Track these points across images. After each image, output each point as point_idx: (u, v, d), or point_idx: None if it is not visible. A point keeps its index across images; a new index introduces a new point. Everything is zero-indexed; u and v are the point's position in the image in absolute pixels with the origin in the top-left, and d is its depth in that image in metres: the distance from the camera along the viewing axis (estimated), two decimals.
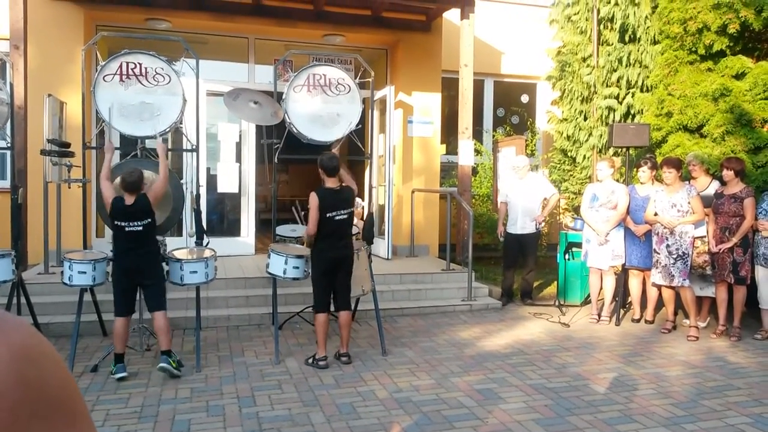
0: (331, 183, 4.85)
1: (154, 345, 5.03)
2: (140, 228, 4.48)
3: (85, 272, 4.60)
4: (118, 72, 5.12)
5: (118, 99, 5.11)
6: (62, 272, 4.66)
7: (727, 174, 5.77)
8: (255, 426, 3.70)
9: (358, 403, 4.07)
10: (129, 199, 4.46)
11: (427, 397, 4.19)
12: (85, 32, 7.73)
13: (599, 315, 6.45)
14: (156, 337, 4.74)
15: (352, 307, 6.13)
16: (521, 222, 7.03)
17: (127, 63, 5.16)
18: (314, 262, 4.90)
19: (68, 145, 6.27)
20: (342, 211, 4.81)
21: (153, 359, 4.84)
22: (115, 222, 4.46)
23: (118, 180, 4.77)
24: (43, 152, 6.07)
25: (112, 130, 5.41)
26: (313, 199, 4.76)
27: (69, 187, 6.46)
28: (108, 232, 6.04)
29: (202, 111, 6.09)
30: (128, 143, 5.30)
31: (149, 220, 4.53)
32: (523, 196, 7.03)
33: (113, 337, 4.51)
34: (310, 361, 4.85)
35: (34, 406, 0.59)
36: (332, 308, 5.04)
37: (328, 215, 4.75)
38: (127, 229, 4.45)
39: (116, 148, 5.34)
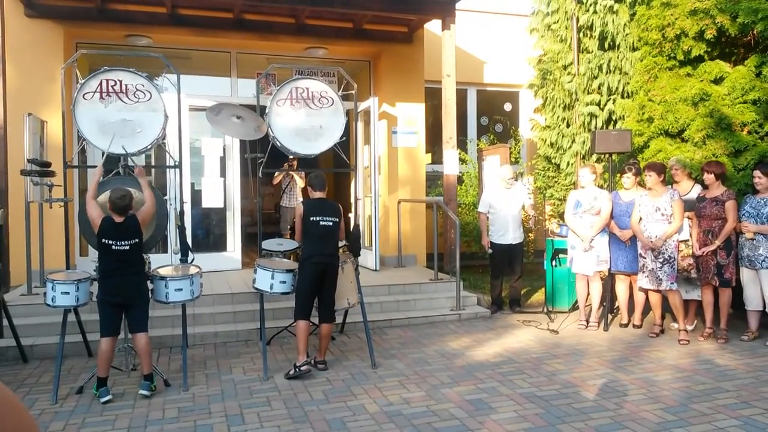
0: (317, 195, 5.14)
1: (140, 365, 4.96)
2: (127, 247, 4.44)
3: (68, 293, 4.53)
4: (98, 90, 5.07)
5: (99, 117, 5.06)
6: (45, 293, 4.59)
7: (708, 177, 5.83)
8: None
9: (348, 418, 4.03)
10: (118, 219, 4.43)
11: (418, 410, 4.16)
12: (65, 50, 7.67)
13: (587, 321, 6.47)
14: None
15: (342, 320, 6.13)
16: (513, 233, 7.04)
17: (107, 80, 5.11)
18: (300, 269, 5.02)
19: (49, 164, 6.20)
20: (327, 218, 5.02)
21: (139, 379, 4.76)
22: (103, 240, 4.41)
23: (102, 198, 4.73)
24: (24, 172, 6.00)
25: (96, 150, 5.36)
26: (299, 209, 5.11)
27: (51, 207, 6.38)
28: (92, 250, 5.97)
29: (185, 126, 6.06)
30: (109, 161, 5.24)
31: (137, 240, 4.49)
32: (511, 205, 7.04)
33: (98, 358, 4.44)
34: (292, 372, 4.80)
35: None
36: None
37: (312, 219, 4.98)
38: (114, 247, 4.41)
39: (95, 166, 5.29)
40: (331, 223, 5.02)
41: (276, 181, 9.57)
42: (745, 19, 6.13)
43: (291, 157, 6.63)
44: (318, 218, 4.98)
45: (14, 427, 0.61)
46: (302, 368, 4.79)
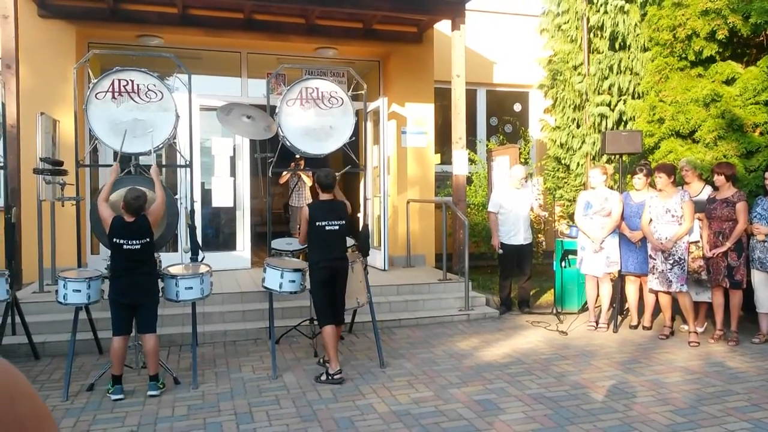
0: (325, 197, 5.01)
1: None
2: (138, 246, 4.46)
3: (79, 290, 4.57)
4: (110, 89, 5.11)
5: (111, 116, 5.11)
6: (57, 291, 4.63)
7: (719, 179, 5.79)
8: None
9: (356, 418, 4.05)
10: (129, 218, 4.46)
11: (426, 410, 4.17)
12: (77, 50, 7.74)
13: (597, 322, 6.44)
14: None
15: (350, 320, 6.14)
16: (524, 234, 7.03)
17: (119, 80, 5.16)
18: (311, 276, 4.96)
19: (61, 163, 6.26)
20: (333, 222, 4.91)
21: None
22: (114, 240, 4.44)
23: (114, 196, 4.77)
24: (36, 171, 6.05)
25: (107, 150, 5.40)
26: (304, 212, 4.99)
27: (63, 206, 6.44)
28: (103, 249, 6.03)
29: (196, 126, 6.10)
30: (121, 160, 5.28)
31: (148, 239, 4.51)
32: (521, 206, 7.03)
33: (111, 356, 4.48)
34: (323, 378, 4.75)
35: None
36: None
37: (317, 224, 4.87)
38: (125, 246, 4.43)
39: (109, 165, 5.33)
40: (337, 227, 4.91)
41: (282, 181, 9.61)
42: (757, 20, 6.09)
43: (297, 156, 6.65)
44: (323, 223, 4.86)
45: (28, 412, 0.62)
46: (336, 377, 4.69)
